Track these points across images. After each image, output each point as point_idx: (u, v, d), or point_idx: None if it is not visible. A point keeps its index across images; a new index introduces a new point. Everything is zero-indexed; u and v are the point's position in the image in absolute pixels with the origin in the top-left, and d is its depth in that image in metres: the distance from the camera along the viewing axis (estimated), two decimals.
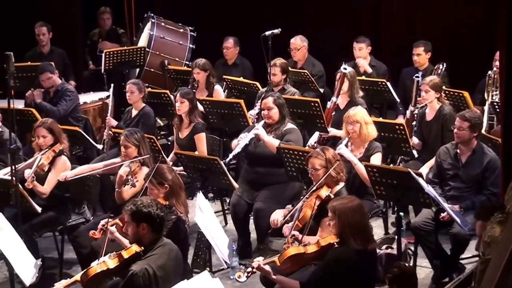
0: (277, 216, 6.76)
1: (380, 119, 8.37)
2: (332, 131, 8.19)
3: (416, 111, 8.12)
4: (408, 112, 8.24)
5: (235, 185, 7.36)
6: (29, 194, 7.01)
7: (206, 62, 9.31)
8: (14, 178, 6.40)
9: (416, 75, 8.34)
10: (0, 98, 9.09)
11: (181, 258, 5.78)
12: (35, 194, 7.22)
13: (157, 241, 5.54)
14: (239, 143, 7.47)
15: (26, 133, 8.84)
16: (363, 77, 9.26)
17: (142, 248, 5.50)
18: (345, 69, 8.37)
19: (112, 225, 6.15)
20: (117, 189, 6.98)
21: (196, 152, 7.61)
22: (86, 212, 8.01)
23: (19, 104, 8.77)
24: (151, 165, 6.98)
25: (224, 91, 9.54)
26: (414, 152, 7.83)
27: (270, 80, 8.84)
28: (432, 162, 7.44)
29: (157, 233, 5.55)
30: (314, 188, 6.42)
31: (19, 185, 6.61)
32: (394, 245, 6.81)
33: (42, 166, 7.27)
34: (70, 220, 7.51)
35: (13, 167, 6.38)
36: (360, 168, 7.04)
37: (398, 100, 9.19)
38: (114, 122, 8.76)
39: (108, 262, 5.50)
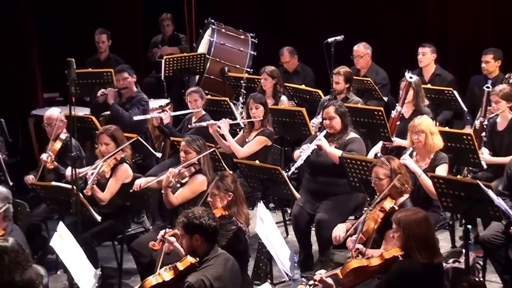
0: (339, 232, 6.60)
1: (447, 129, 8.15)
2: (397, 141, 8.00)
3: (485, 122, 7.88)
4: (477, 122, 8.00)
5: (297, 195, 7.24)
6: (89, 202, 6.98)
7: (275, 70, 9.32)
8: (74, 187, 6.37)
9: (487, 85, 8.11)
10: (61, 105, 9.13)
11: (238, 269, 5.70)
12: (95, 202, 7.19)
13: (212, 251, 5.50)
14: (301, 154, 7.35)
15: (86, 141, 8.86)
16: (429, 86, 9.04)
17: (197, 259, 5.47)
18: (410, 77, 8.18)
19: (171, 235, 6.07)
20: (163, 192, 6.93)
21: (257, 161, 7.51)
22: (145, 222, 7.99)
23: (79, 111, 8.82)
24: (209, 174, 6.91)
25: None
26: (483, 162, 7.58)
27: (333, 88, 8.71)
28: None
29: (211, 243, 5.53)
30: (378, 199, 6.25)
31: (80, 194, 6.59)
32: (461, 259, 6.60)
33: (103, 173, 7.26)
34: (130, 229, 7.48)
35: (74, 175, 6.35)
36: (425, 180, 6.84)
37: (465, 109, 8.96)
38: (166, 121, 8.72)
39: (163, 274, 5.50)
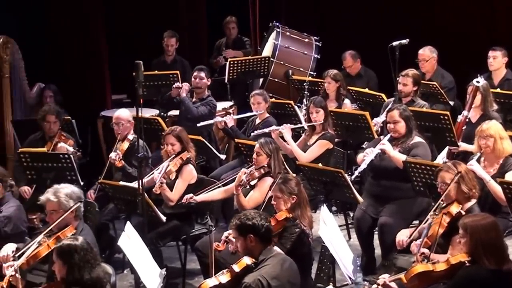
0: (403, 237, 6.53)
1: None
2: (463, 146, 7.90)
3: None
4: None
5: (360, 199, 7.20)
6: (154, 203, 7.07)
7: (338, 73, 9.32)
8: (140, 187, 6.46)
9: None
10: (129, 106, 9.27)
11: (296, 270, 5.69)
12: (160, 203, 7.28)
13: (267, 252, 5.54)
14: (365, 158, 7.32)
15: (152, 142, 8.98)
16: (498, 90, 8.91)
17: (254, 260, 5.50)
18: (477, 82, 8.07)
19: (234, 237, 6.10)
20: (235, 192, 6.97)
21: (320, 164, 7.51)
22: (208, 223, 8.01)
23: (146, 113, 8.94)
24: (277, 178, 6.94)
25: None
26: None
27: (397, 91, 8.65)
28: None
29: (266, 243, 5.57)
30: (444, 204, 6.18)
31: (145, 194, 6.68)
32: None
33: (169, 173, 7.34)
34: (193, 230, 7.54)
35: (140, 176, 6.44)
36: (493, 186, 6.73)
37: None
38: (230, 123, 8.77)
39: (220, 277, 5.54)
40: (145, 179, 7.24)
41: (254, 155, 7.19)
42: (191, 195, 7.27)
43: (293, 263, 5.65)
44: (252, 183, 7.13)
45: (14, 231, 6.51)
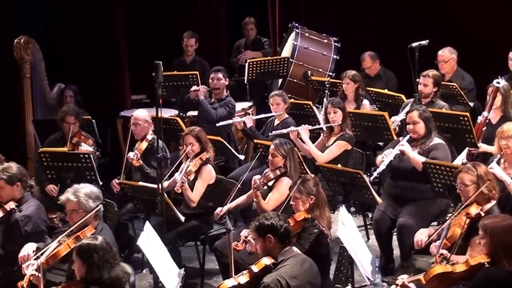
0: (421, 236, 6.51)
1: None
2: (483, 147, 7.85)
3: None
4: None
5: (379, 200, 7.20)
6: (173, 203, 7.08)
7: (357, 74, 9.31)
8: (160, 187, 6.48)
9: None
10: (148, 106, 9.30)
11: (316, 271, 5.70)
12: (179, 202, 7.30)
13: (286, 252, 5.55)
14: (384, 160, 7.30)
15: (171, 142, 9.00)
16: None
17: (273, 261, 5.52)
18: (498, 83, 8.03)
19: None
20: (254, 199, 6.97)
21: (339, 165, 7.51)
22: (227, 223, 8.02)
23: (165, 113, 8.97)
24: (293, 178, 6.94)
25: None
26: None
27: (417, 92, 8.63)
28: None
29: (285, 243, 5.58)
30: (464, 205, 6.16)
31: (165, 194, 6.70)
32: None
33: (189, 174, 7.36)
34: (212, 230, 7.56)
35: (159, 176, 6.47)
36: None
37: None
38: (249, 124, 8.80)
39: (239, 278, 5.55)
40: (165, 183, 7.27)
41: (270, 157, 7.19)
42: (221, 209, 7.23)
43: (313, 263, 5.66)
44: (270, 183, 7.13)
45: (34, 230, 6.54)
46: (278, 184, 7.09)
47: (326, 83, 9.64)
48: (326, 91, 9.51)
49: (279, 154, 7.15)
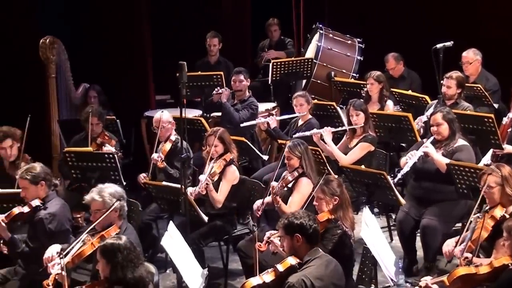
0: (450, 247, 6.42)
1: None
2: (507, 148, 7.83)
3: None
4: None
5: (402, 201, 7.19)
6: (196, 203, 7.11)
7: (381, 74, 9.28)
8: (183, 187, 6.50)
9: None
10: (172, 107, 9.33)
11: (341, 272, 5.69)
12: (203, 203, 7.32)
13: (313, 252, 5.53)
14: (408, 161, 7.29)
15: (195, 142, 9.03)
16: None
17: (298, 260, 5.50)
18: None
19: (276, 237, 6.12)
20: (276, 205, 6.98)
21: (363, 166, 7.50)
22: (250, 223, 8.06)
23: (189, 113, 8.99)
24: (312, 177, 6.95)
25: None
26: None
27: (441, 94, 8.60)
28: None
29: (312, 244, 5.56)
30: (488, 207, 6.13)
31: (188, 194, 6.72)
32: None
33: (213, 175, 7.38)
34: (235, 230, 7.57)
35: (183, 176, 6.49)
36: None
37: None
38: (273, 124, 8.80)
39: (264, 276, 5.54)
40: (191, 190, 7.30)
41: (286, 160, 7.20)
42: (261, 201, 7.20)
43: (338, 265, 5.65)
44: (289, 185, 7.14)
45: (58, 228, 6.56)
46: (297, 185, 7.10)
47: (364, 87, 9.54)
48: (363, 94, 9.45)
49: (294, 156, 7.16)
